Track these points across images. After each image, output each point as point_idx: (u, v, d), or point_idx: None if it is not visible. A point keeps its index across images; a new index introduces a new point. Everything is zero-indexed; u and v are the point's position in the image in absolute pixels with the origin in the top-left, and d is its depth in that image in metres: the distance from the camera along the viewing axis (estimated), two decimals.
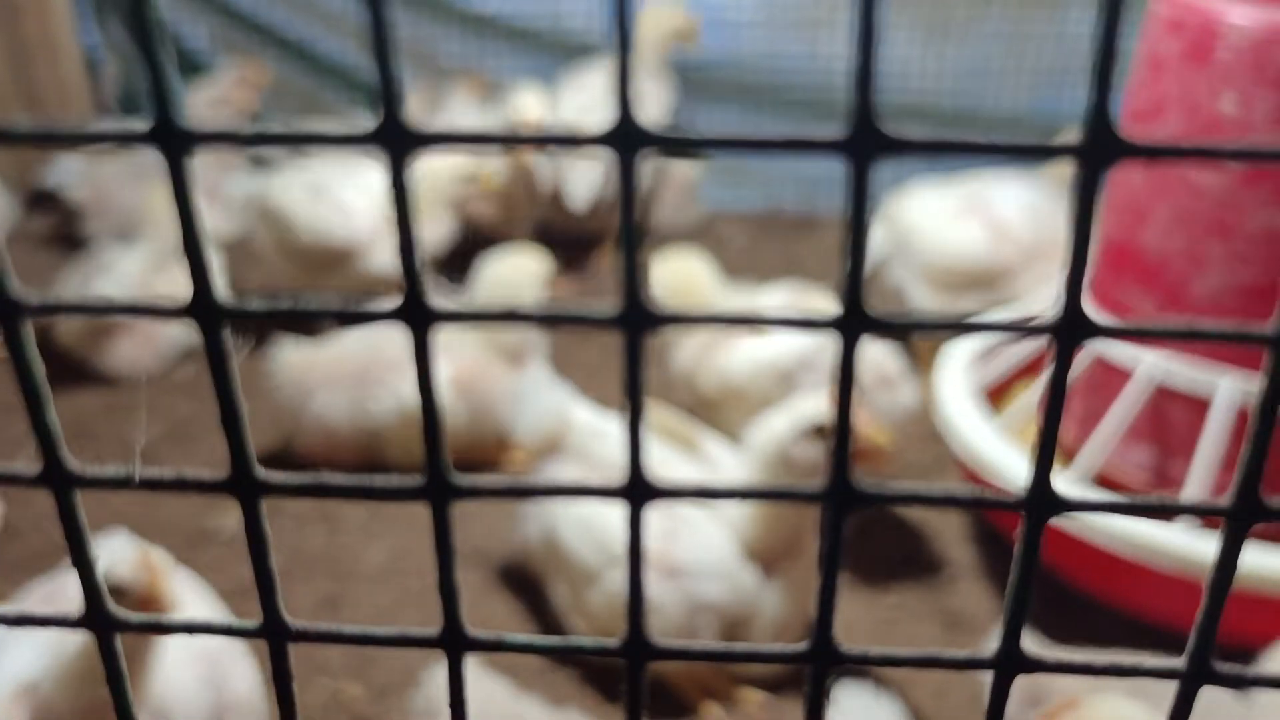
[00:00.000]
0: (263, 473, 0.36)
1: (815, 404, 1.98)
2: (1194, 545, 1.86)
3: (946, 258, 2.91)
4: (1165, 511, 0.36)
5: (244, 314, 0.33)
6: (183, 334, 3.27)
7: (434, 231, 3.30)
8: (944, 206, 2.96)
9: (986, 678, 1.41)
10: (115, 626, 0.39)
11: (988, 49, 3.95)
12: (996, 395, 2.46)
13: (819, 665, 0.37)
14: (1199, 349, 2.02)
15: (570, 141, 0.31)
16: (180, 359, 3.26)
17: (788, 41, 4.00)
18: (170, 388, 3.14)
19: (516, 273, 2.71)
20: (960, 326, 0.34)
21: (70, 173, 3.85)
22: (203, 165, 3.70)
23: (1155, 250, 2.07)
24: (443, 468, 0.35)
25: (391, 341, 2.72)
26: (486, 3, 4.12)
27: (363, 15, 0.28)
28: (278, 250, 3.32)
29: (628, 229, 0.30)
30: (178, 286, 3.25)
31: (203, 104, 3.72)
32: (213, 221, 3.68)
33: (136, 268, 3.23)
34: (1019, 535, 0.36)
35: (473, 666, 1.89)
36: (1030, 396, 2.32)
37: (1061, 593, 2.15)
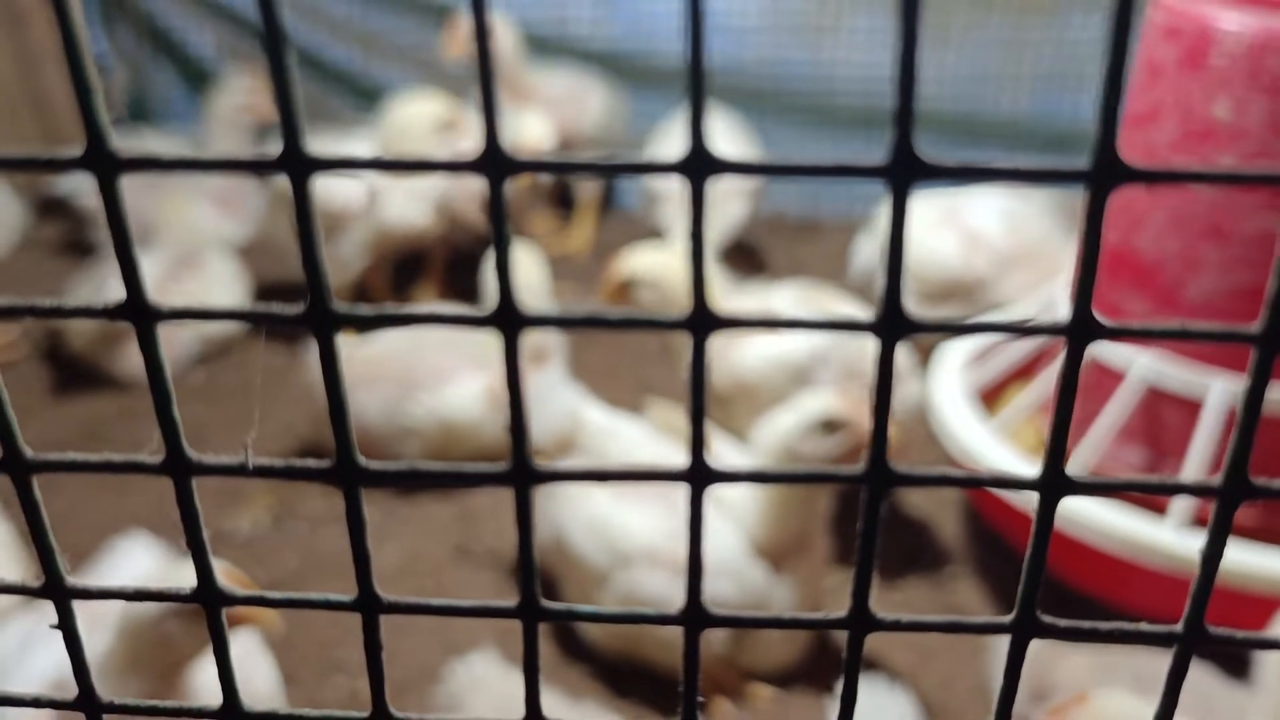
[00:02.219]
0: (363, 461, 0.40)
1: (821, 399, 2.02)
2: (1185, 544, 1.92)
3: (921, 267, 2.99)
4: (1163, 491, 0.40)
5: (354, 319, 0.38)
6: (195, 340, 3.31)
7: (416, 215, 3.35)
8: (923, 217, 3.04)
9: (994, 670, 1.46)
10: (223, 601, 0.44)
11: (988, 55, 4.00)
12: (990, 397, 2.50)
13: (856, 630, 0.42)
14: (1192, 351, 2.06)
15: (645, 169, 0.35)
16: (192, 364, 3.30)
17: (791, 47, 4.04)
18: (183, 393, 3.18)
19: (521, 267, 2.77)
20: (982, 328, 0.39)
21: (80, 180, 3.89)
22: (220, 176, 3.74)
23: (1150, 253, 2.11)
24: (526, 454, 0.39)
25: (434, 346, 2.77)
26: (491, 9, 4.16)
27: (472, 56, 0.32)
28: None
29: (696, 244, 0.35)
30: (188, 295, 3.29)
31: (229, 111, 3.76)
32: (232, 228, 3.72)
33: (148, 275, 3.27)
34: (1034, 513, 0.40)
35: (497, 662, 1.93)
36: (1024, 399, 2.36)
37: (1067, 596, 2.20)
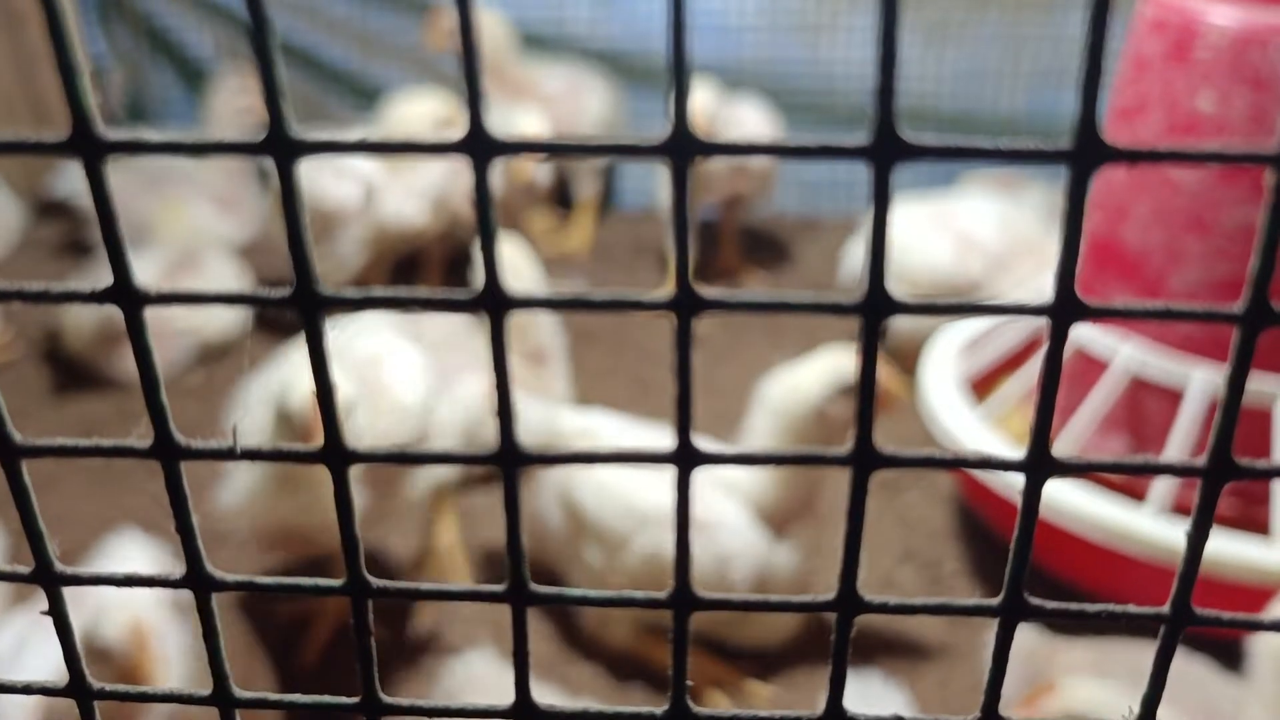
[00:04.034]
0: (351, 443, 0.40)
1: (844, 360, 2.00)
2: (1163, 530, 1.95)
3: (915, 271, 3.00)
4: (1148, 471, 0.41)
5: (342, 302, 0.38)
6: (193, 342, 3.31)
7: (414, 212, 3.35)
8: (913, 222, 3.05)
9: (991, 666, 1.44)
10: (214, 586, 0.44)
11: (985, 51, 4.00)
12: (982, 386, 2.52)
13: (844, 613, 0.42)
14: (1174, 341, 2.10)
15: (628, 150, 0.35)
16: (190, 365, 3.30)
17: (788, 46, 4.05)
18: (181, 392, 3.18)
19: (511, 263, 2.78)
20: (964, 309, 0.39)
21: (79, 181, 3.89)
22: (218, 176, 3.75)
23: (1135, 245, 2.14)
24: (513, 437, 0.39)
25: (435, 347, 2.77)
26: (488, 8, 4.16)
27: (458, 36, 0.33)
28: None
29: (680, 224, 0.35)
30: None
31: (229, 112, 3.76)
32: (230, 228, 3.72)
33: (147, 276, 3.27)
34: (1021, 493, 0.41)
35: (494, 660, 1.93)
36: (1011, 387, 2.39)
37: (1061, 592, 2.20)
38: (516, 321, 2.61)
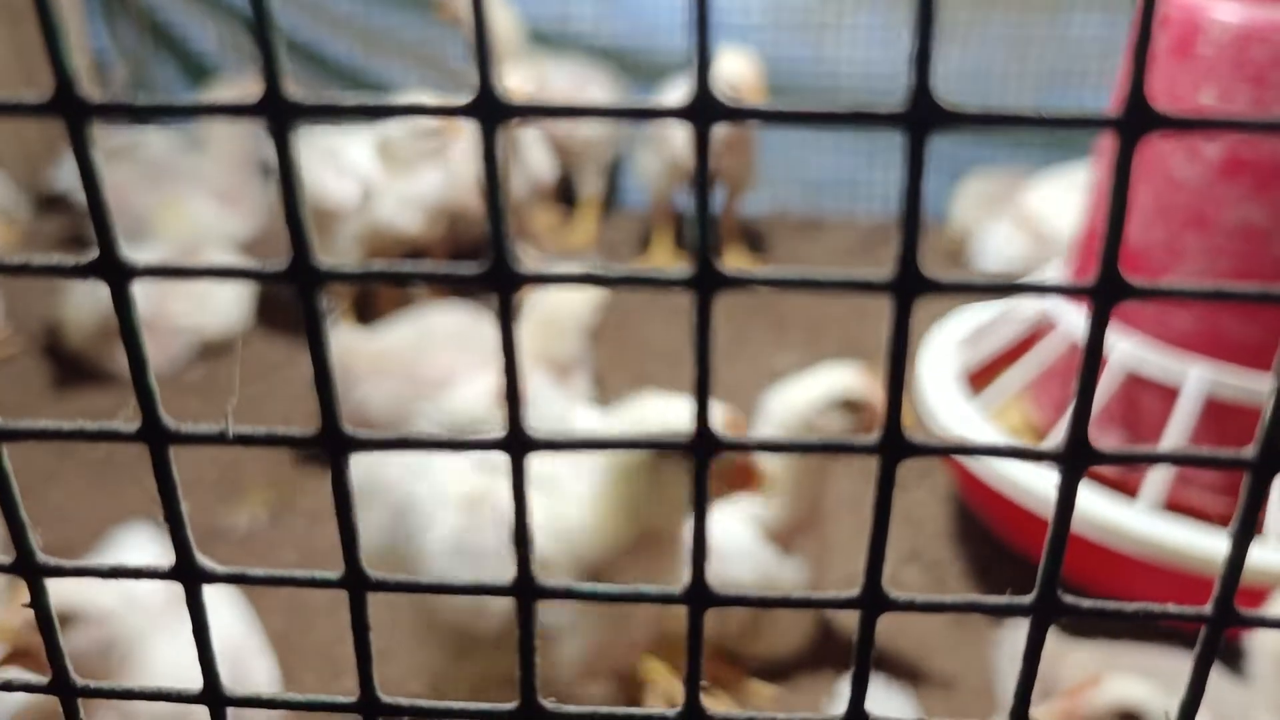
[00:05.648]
0: (349, 429, 0.38)
1: (843, 377, 2.00)
2: (1157, 529, 1.94)
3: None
4: (1191, 463, 0.39)
5: (340, 276, 0.36)
6: (194, 337, 3.30)
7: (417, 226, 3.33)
8: (1057, 195, 3.30)
9: (1001, 665, 1.43)
10: (203, 578, 0.42)
11: (991, 52, 3.98)
12: (981, 379, 2.50)
13: (869, 611, 0.40)
14: (1170, 338, 2.10)
15: (648, 114, 0.33)
16: (192, 360, 3.29)
17: (793, 45, 4.03)
18: (182, 388, 3.16)
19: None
20: (1001, 288, 0.37)
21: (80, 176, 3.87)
22: (220, 172, 3.73)
23: (1136, 241, 2.14)
24: (521, 422, 0.37)
25: (441, 343, 2.75)
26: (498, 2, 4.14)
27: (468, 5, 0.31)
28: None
29: (700, 194, 0.33)
30: (188, 292, 3.27)
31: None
32: (232, 224, 3.70)
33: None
34: (1057, 486, 0.38)
35: None
36: (1008, 379, 2.38)
37: (1076, 594, 2.18)
38: (545, 329, 2.59)
